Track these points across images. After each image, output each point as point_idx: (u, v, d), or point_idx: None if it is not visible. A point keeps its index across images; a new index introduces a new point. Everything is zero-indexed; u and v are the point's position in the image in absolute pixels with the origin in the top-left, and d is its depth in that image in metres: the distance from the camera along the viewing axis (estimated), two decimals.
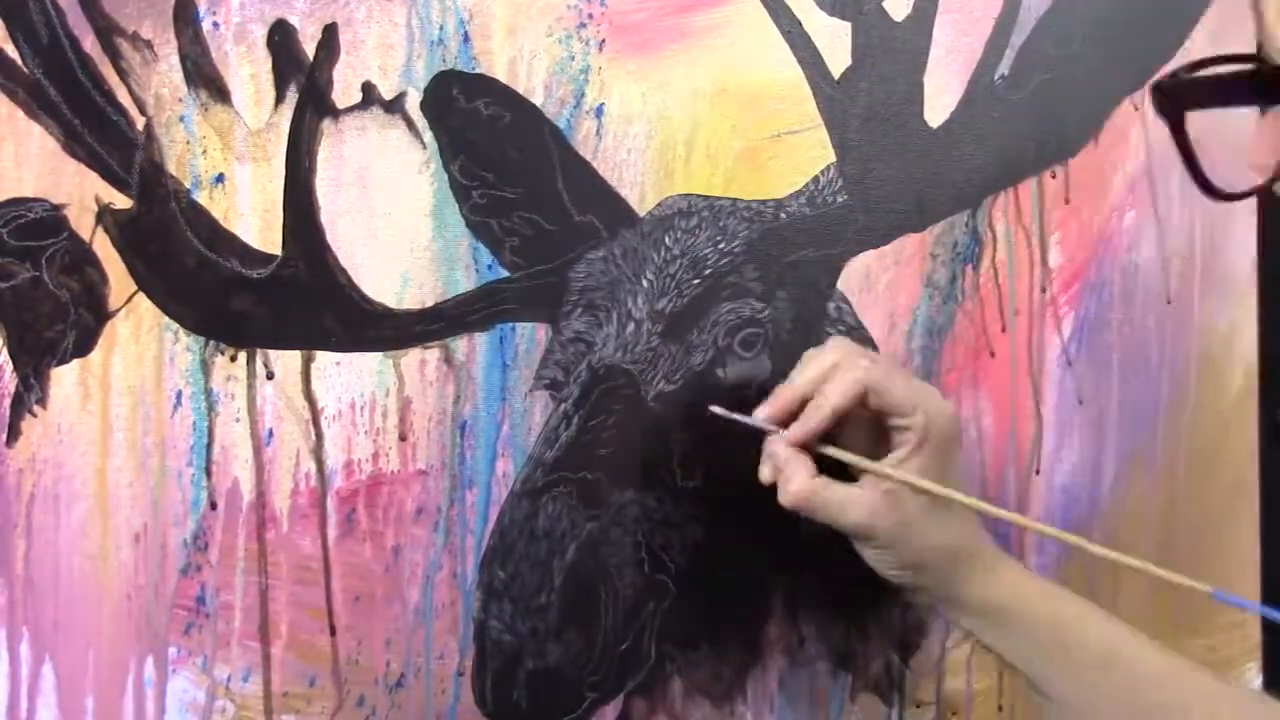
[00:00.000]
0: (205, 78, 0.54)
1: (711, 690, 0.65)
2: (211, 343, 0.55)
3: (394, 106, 0.56)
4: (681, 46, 0.60)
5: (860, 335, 0.66)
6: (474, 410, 0.59)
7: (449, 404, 0.59)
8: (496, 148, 0.58)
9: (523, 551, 0.60)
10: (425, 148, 0.57)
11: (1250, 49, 0.43)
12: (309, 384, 0.57)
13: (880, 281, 0.65)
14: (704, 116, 0.61)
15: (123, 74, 0.53)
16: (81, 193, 0.53)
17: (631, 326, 0.60)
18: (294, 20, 0.54)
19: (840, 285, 0.64)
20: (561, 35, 0.58)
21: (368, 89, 0.56)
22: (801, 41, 0.62)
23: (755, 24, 0.61)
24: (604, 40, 0.59)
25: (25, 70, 0.52)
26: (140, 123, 0.53)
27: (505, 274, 0.59)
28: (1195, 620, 0.75)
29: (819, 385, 0.55)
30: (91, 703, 0.55)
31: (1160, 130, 0.36)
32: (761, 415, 0.57)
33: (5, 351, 0.53)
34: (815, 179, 0.63)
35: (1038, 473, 0.71)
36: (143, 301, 0.54)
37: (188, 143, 0.54)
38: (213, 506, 0.56)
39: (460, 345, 0.59)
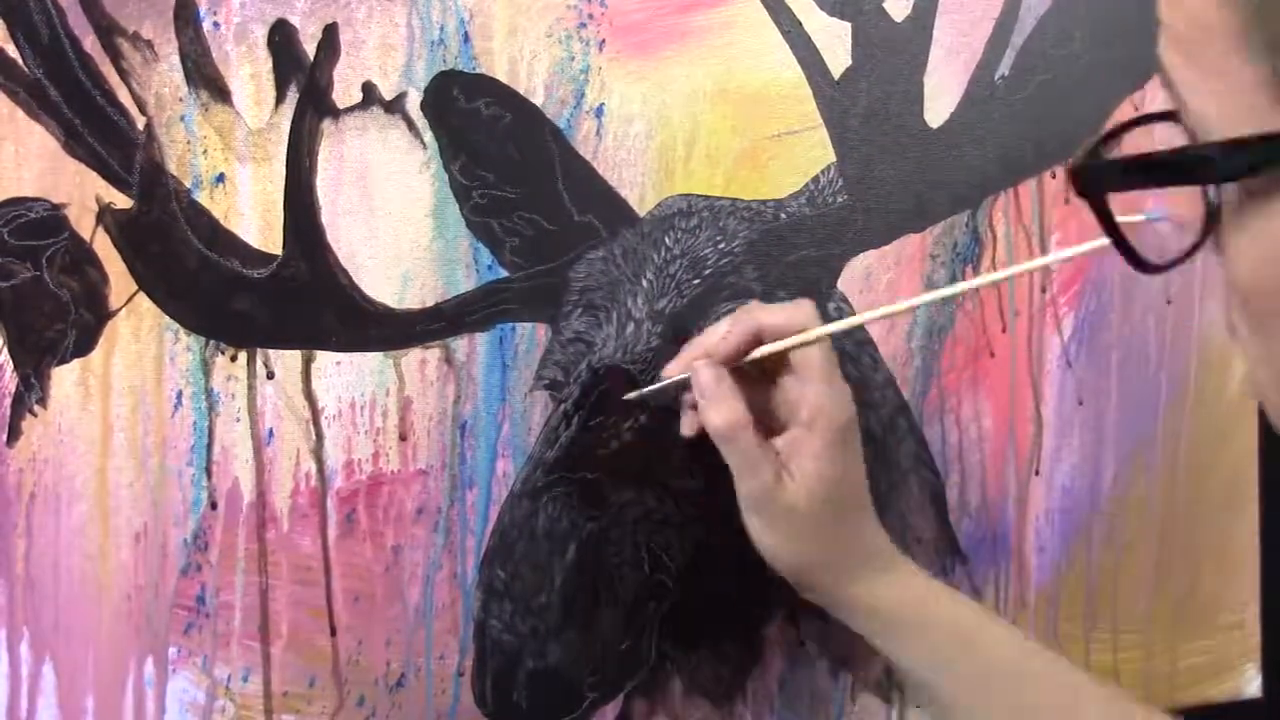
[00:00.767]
0: (206, 78, 0.54)
1: (711, 690, 0.65)
2: (212, 342, 0.55)
3: (394, 107, 0.56)
4: (681, 46, 0.60)
5: (860, 335, 0.66)
6: (474, 410, 0.59)
7: (449, 404, 0.59)
8: (497, 148, 0.58)
9: (523, 551, 0.60)
10: (426, 148, 0.57)
11: None
12: (309, 384, 0.57)
13: (880, 281, 0.65)
14: (704, 116, 0.61)
15: (123, 74, 0.53)
16: (82, 192, 0.53)
17: (631, 326, 0.60)
18: (294, 20, 0.54)
19: (840, 285, 0.64)
20: (562, 35, 0.58)
21: (368, 89, 0.56)
22: (801, 42, 0.62)
23: (755, 24, 0.61)
24: (604, 40, 0.59)
25: (25, 70, 0.52)
26: (141, 122, 0.53)
27: (505, 274, 0.59)
28: (1194, 621, 0.75)
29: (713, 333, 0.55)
30: (91, 703, 0.56)
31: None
32: (671, 369, 0.56)
33: (5, 351, 0.53)
34: (815, 179, 0.63)
35: (1038, 473, 0.71)
36: (143, 301, 0.54)
37: (188, 143, 0.54)
38: (213, 506, 0.56)
39: (460, 345, 0.59)
